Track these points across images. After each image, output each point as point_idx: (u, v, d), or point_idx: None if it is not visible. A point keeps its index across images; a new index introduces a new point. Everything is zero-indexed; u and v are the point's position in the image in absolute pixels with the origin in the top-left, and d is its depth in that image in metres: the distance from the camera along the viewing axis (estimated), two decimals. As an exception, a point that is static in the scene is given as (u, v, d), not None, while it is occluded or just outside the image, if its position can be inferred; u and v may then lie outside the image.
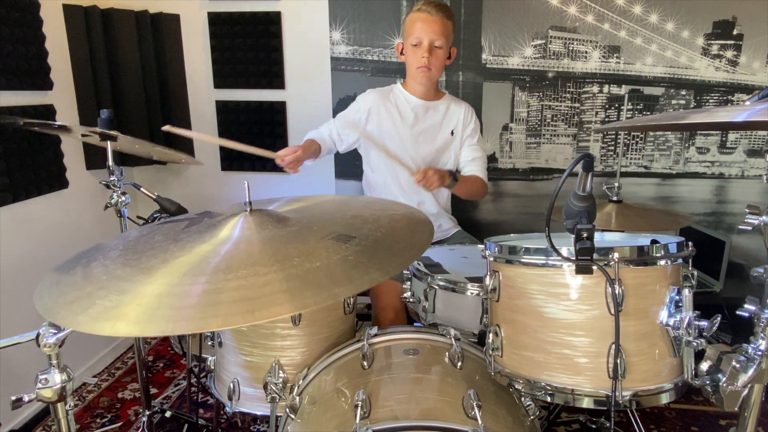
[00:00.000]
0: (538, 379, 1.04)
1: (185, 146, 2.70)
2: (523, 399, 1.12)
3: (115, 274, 0.92)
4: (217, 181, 2.84)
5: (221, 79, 2.69)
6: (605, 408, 1.00)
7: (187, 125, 2.73)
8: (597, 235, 0.97)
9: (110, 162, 1.66)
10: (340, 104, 2.62)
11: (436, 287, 1.48)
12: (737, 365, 0.89)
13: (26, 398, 0.86)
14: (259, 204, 1.16)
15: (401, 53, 1.99)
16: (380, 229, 1.10)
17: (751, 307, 0.90)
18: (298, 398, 1.18)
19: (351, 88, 2.62)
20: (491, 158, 2.63)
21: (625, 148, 2.59)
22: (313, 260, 0.91)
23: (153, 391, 2.31)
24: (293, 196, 1.35)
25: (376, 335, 1.28)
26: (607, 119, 2.56)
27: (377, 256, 0.97)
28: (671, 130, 2.48)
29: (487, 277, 1.14)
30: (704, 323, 0.96)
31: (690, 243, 1.07)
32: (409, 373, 1.14)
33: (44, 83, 2.14)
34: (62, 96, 2.26)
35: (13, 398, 0.86)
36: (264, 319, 0.78)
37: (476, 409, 0.97)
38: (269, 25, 2.58)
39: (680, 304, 0.98)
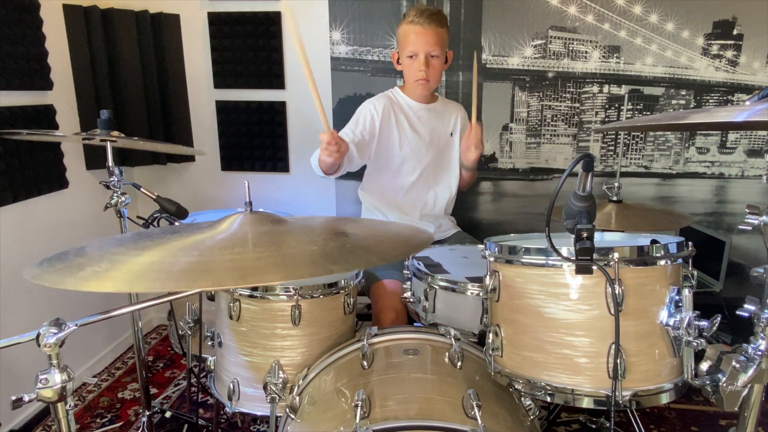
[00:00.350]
0: (538, 379, 1.05)
1: (185, 142, 2.70)
2: (523, 399, 1.12)
3: (109, 251, 0.92)
4: (217, 181, 2.84)
5: (221, 79, 2.69)
6: (605, 408, 1.00)
7: (187, 125, 2.73)
8: (597, 235, 0.97)
9: (110, 162, 1.66)
10: (340, 104, 2.62)
11: (437, 287, 1.48)
12: (737, 365, 0.88)
13: (26, 398, 0.86)
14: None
15: (398, 62, 1.98)
16: (379, 231, 1.10)
17: (751, 307, 0.90)
18: (298, 398, 1.18)
19: (351, 88, 2.62)
20: (491, 158, 2.64)
21: (625, 148, 2.59)
22: (310, 245, 0.91)
23: (153, 391, 2.32)
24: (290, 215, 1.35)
25: (376, 335, 1.28)
26: (607, 119, 2.56)
27: (376, 246, 0.97)
28: (671, 130, 2.48)
29: (487, 277, 1.14)
30: (704, 323, 0.96)
31: (690, 243, 1.07)
32: (409, 373, 1.14)
33: (44, 83, 2.14)
34: (62, 96, 2.26)
35: (13, 398, 0.85)
36: (255, 284, 0.77)
37: (476, 409, 0.97)
38: (269, 25, 2.58)
39: (680, 304, 0.99)
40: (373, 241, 1.01)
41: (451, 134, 2.11)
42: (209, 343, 1.50)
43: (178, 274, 0.78)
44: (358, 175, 2.23)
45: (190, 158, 2.80)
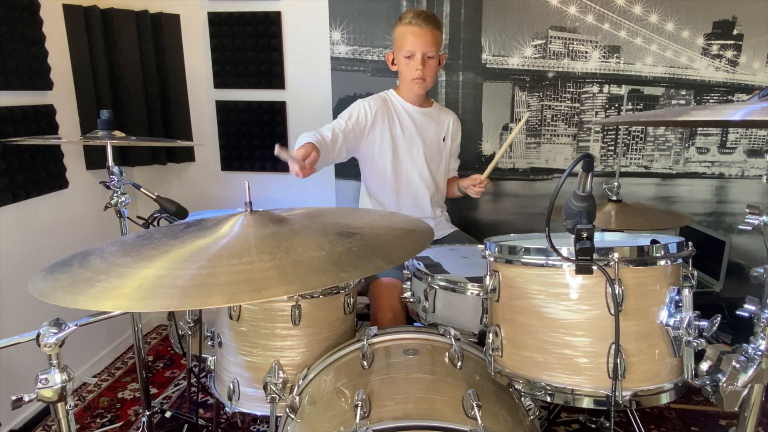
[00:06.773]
0: (538, 379, 1.05)
1: (184, 137, 2.70)
2: (523, 399, 1.12)
3: (114, 263, 0.92)
4: (217, 181, 2.84)
5: (221, 79, 2.69)
6: (605, 408, 1.00)
7: (187, 125, 2.74)
8: (597, 235, 0.97)
9: (110, 162, 1.66)
10: (340, 104, 2.62)
11: (436, 287, 1.48)
12: (737, 365, 0.88)
13: (26, 398, 0.86)
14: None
15: (392, 63, 2.01)
16: (382, 227, 1.10)
17: (751, 307, 0.89)
18: (297, 398, 1.18)
19: (351, 88, 2.62)
20: (491, 158, 2.64)
21: (625, 148, 2.59)
22: (318, 250, 0.92)
23: (153, 391, 2.31)
24: (291, 207, 1.35)
25: (376, 335, 1.28)
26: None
27: (381, 248, 0.98)
28: (673, 126, 2.49)
29: (487, 277, 1.14)
30: (704, 323, 0.96)
31: (690, 243, 1.07)
32: (409, 373, 1.14)
33: (44, 83, 2.14)
34: (62, 96, 2.26)
35: (14, 398, 0.85)
36: (271, 297, 0.77)
37: (476, 409, 0.97)
38: (269, 25, 2.58)
39: (680, 304, 0.98)
40: (379, 242, 1.01)
41: (444, 139, 2.14)
42: (209, 343, 1.49)
43: (193, 290, 0.78)
44: (358, 174, 2.23)
45: (190, 158, 2.80)
